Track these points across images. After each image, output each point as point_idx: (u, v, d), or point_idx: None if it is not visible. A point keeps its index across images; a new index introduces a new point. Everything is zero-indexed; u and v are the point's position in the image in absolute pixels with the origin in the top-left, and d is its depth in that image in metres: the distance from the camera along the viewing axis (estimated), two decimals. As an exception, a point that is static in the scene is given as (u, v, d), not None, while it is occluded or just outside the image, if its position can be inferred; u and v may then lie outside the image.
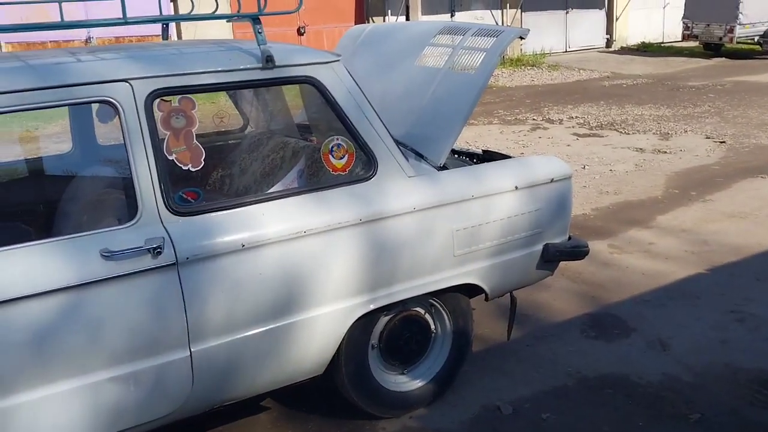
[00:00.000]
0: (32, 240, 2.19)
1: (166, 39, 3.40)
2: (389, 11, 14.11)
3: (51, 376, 2.16)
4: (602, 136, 8.33)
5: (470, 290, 3.00)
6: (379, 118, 2.73)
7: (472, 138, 8.19)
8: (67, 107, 3.09)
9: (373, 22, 13.43)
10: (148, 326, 2.27)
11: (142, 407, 2.33)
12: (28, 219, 2.91)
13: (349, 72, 2.73)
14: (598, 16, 17.79)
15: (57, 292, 2.12)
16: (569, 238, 3.25)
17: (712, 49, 16.31)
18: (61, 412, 2.20)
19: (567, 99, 10.94)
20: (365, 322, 2.77)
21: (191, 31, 11.49)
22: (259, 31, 2.54)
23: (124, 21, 2.38)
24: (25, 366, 2.12)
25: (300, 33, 13.30)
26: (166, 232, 2.31)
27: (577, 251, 3.23)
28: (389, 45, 3.61)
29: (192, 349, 2.36)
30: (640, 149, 7.65)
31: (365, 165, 2.72)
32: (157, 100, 2.36)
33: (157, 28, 3.34)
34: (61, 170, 3.24)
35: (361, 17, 13.98)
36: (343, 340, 2.71)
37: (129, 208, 2.32)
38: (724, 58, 15.60)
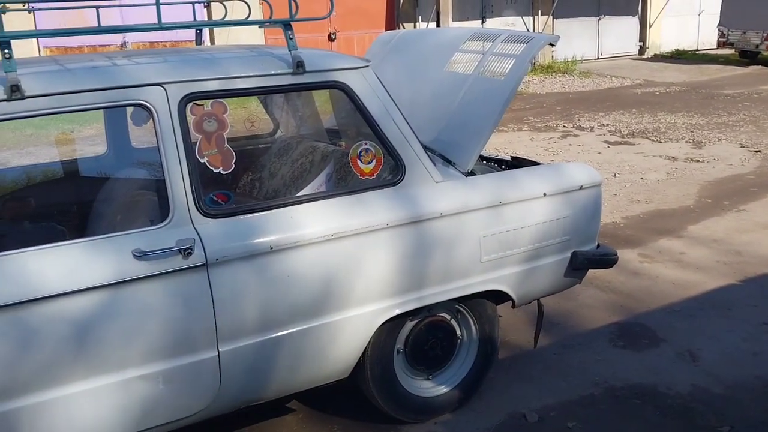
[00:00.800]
0: (67, 239, 2.24)
1: (200, 44, 3.47)
2: (420, 17, 14.13)
3: (83, 372, 2.21)
4: (633, 144, 8.24)
5: (497, 297, 2.99)
6: (408, 124, 2.74)
7: (501, 145, 8.16)
8: (102, 110, 3.18)
9: (404, 28, 13.46)
10: (177, 326, 2.31)
11: (170, 405, 2.37)
12: (64, 219, 2.98)
13: (378, 77, 2.75)
14: (631, 22, 17.60)
15: (90, 290, 2.17)
16: (598, 246, 3.22)
17: (748, 57, 16.02)
18: (92, 408, 2.25)
19: (598, 106, 10.84)
20: (391, 326, 2.77)
21: (224, 36, 11.64)
22: (290, 36, 2.57)
23: (159, 26, 2.43)
24: (59, 362, 2.17)
25: (331, 39, 13.39)
26: (197, 233, 2.35)
27: (606, 259, 3.20)
28: (419, 51, 3.63)
29: (220, 349, 2.40)
30: (673, 158, 7.55)
31: (393, 170, 2.73)
32: (190, 103, 2.40)
33: (190, 34, 3.40)
34: (96, 172, 3.31)
35: (392, 23, 14.02)
36: (368, 344, 2.72)
37: (161, 209, 2.37)
38: (760, 66, 15.32)
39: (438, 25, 13.78)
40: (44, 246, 2.18)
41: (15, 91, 2.13)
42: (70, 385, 2.20)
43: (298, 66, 2.54)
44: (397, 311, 2.72)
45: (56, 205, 3.14)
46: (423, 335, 2.90)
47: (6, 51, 2.15)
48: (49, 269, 2.15)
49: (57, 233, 2.78)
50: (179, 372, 2.35)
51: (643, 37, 17.80)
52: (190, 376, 2.37)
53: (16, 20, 8.66)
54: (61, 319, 2.15)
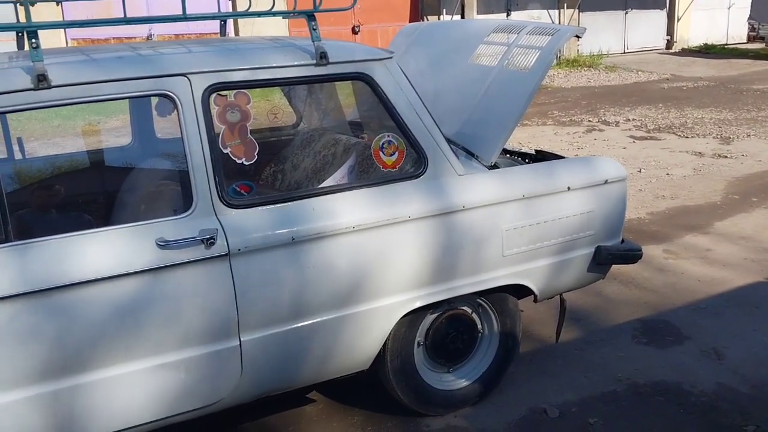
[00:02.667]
0: (93, 228, 2.27)
1: (224, 35, 3.48)
2: (444, 10, 14.05)
3: (106, 359, 2.23)
4: (660, 140, 8.13)
5: (519, 291, 2.97)
6: (431, 116, 2.73)
7: (525, 139, 8.10)
8: (127, 101, 3.20)
9: (428, 20, 13.40)
10: (199, 315, 2.33)
11: (192, 394, 2.39)
12: (90, 208, 3.02)
13: (401, 69, 2.73)
14: (659, 16, 17.35)
15: (114, 278, 2.20)
16: (622, 241, 3.19)
17: (779, 52, 15.71)
18: (112, 396, 2.27)
19: (624, 101, 10.71)
20: (411, 319, 2.77)
21: (248, 28, 11.68)
22: (314, 27, 2.57)
23: (184, 17, 2.44)
24: (83, 348, 2.19)
25: (354, 32, 13.37)
26: (219, 223, 2.36)
27: (630, 255, 3.16)
28: (443, 43, 3.61)
29: (242, 339, 2.41)
30: (700, 153, 7.43)
31: (415, 162, 2.72)
32: (214, 94, 2.41)
33: (215, 26, 3.42)
34: (121, 162, 3.34)
35: (416, 16, 13.97)
36: (389, 336, 2.72)
37: (184, 199, 2.38)
38: (791, 61, 15.03)
39: (462, 17, 13.70)
40: (71, 234, 2.21)
41: (42, 81, 2.16)
42: (91, 372, 2.22)
43: (322, 57, 2.54)
44: (418, 304, 2.71)
45: (83, 194, 3.18)
46: (443, 328, 2.89)
47: (33, 41, 2.18)
48: (74, 257, 2.17)
49: (83, 221, 2.81)
50: (201, 360, 2.36)
51: (670, 31, 17.54)
52: (212, 365, 2.39)
53: (44, 11, 8.77)
54: (85, 307, 2.18)
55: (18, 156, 3.26)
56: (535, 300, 3.02)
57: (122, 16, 2.80)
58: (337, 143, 3.32)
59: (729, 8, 18.23)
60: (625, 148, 7.78)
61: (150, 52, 2.48)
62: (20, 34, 2.98)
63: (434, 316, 2.87)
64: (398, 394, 2.86)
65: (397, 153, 2.71)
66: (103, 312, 2.20)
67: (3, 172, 2.20)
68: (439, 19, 13.85)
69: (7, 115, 2.75)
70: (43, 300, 2.13)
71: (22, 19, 2.76)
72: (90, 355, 2.21)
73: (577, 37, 3.06)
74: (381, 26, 13.44)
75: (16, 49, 3.00)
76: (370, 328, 2.65)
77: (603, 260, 3.09)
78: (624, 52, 16.71)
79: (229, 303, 2.36)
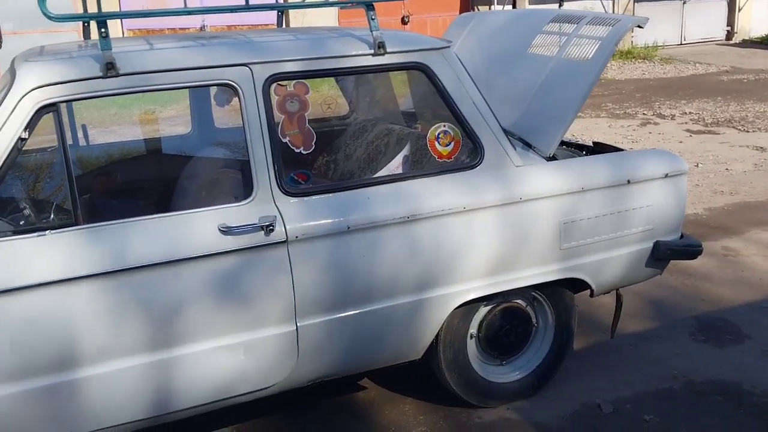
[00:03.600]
0: (156, 213, 2.33)
1: (281, 26, 3.51)
2: (495, 0, 13.90)
3: (169, 340, 2.29)
4: (718, 134, 7.90)
5: (575, 285, 2.94)
6: (488, 106, 2.71)
7: (578, 131, 7.96)
8: (187, 91, 3.27)
9: (479, 10, 13.28)
10: (258, 299, 2.37)
11: (250, 376, 2.44)
12: (151, 194, 3.09)
13: (459, 59, 2.72)
14: (719, 6, 16.80)
15: (180, 262, 2.25)
16: (682, 236, 3.11)
17: None
18: (176, 376, 2.34)
19: (680, 94, 10.42)
20: (465, 310, 2.77)
21: (299, 20, 11.76)
22: (372, 17, 2.57)
23: (247, 7, 2.49)
24: (148, 329, 2.26)
25: (404, 22, 13.32)
26: (278, 211, 2.39)
27: (689, 250, 3.09)
28: (499, 33, 3.57)
29: (298, 324, 2.45)
30: (761, 148, 7.19)
31: (471, 153, 2.71)
32: (274, 84, 2.44)
33: (266, 18, 3.45)
34: (182, 150, 3.42)
35: (467, 6, 13.85)
36: (442, 327, 2.72)
37: (245, 187, 2.43)
38: None
39: (514, 7, 13.53)
40: (135, 218, 2.27)
41: (110, 69, 2.22)
42: (158, 352, 2.29)
43: (379, 47, 2.55)
44: (472, 296, 2.71)
45: (144, 181, 3.26)
46: (497, 321, 2.88)
47: (103, 30, 2.24)
48: (140, 241, 2.23)
49: (145, 207, 2.89)
50: (260, 344, 2.41)
51: (731, 22, 16.97)
52: (270, 349, 2.43)
53: (102, 2, 8.99)
54: (150, 290, 2.24)
55: (82, 143, 3.36)
56: (592, 294, 2.98)
57: (177, 7, 2.85)
58: (390, 133, 3.32)
59: (793, -2, 17.54)
60: (681, 142, 7.58)
61: (212, 42, 2.53)
62: (86, 25, 3.06)
63: (488, 308, 2.85)
64: (450, 386, 2.87)
65: (453, 143, 2.70)
66: (167, 295, 2.26)
67: (71, 158, 2.26)
68: (490, 8, 13.70)
69: (73, 103, 2.83)
70: (112, 282, 2.19)
71: (84, 9, 2.84)
72: (155, 335, 2.27)
73: (639, 27, 2.99)
74: (431, 16, 13.37)
75: (82, 39, 3.08)
76: (422, 318, 2.66)
77: (661, 255, 3.02)
78: (681, 44, 16.24)
79: (286, 289, 2.40)
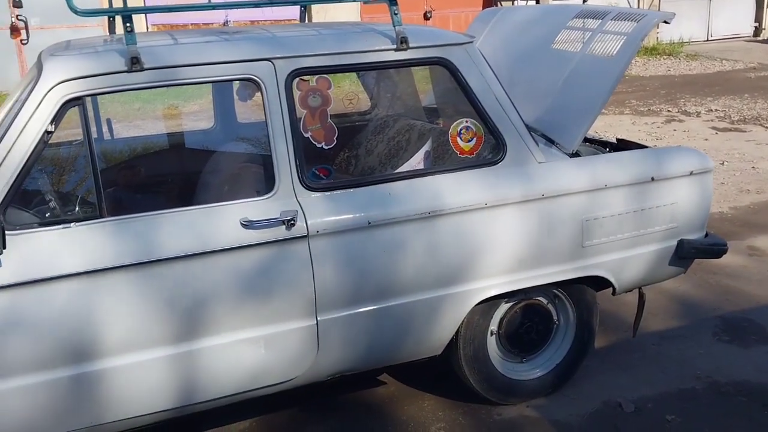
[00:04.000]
0: (179, 207, 2.34)
1: (304, 21, 3.52)
2: (518, -4, 13.81)
3: (191, 333, 2.31)
4: (745, 131, 7.78)
5: (597, 283, 2.91)
6: (511, 102, 2.69)
7: (602, 128, 7.89)
8: (210, 85, 3.29)
9: (502, 5, 13.20)
10: (280, 293, 2.38)
11: (270, 370, 2.46)
12: (174, 187, 3.12)
13: (482, 54, 2.70)
14: (746, 2, 16.51)
15: (201, 256, 2.27)
16: (706, 234, 3.07)
17: None
18: (196, 369, 2.36)
19: (706, 91, 10.28)
20: (485, 307, 2.76)
21: (321, 15, 11.78)
22: (395, 12, 2.57)
23: (270, 2, 2.49)
24: (169, 322, 2.28)
25: (426, 17, 13.29)
26: (300, 205, 2.40)
27: (714, 249, 3.05)
28: (522, 28, 3.54)
29: (318, 318, 2.46)
30: (788, 146, 7.07)
31: (493, 149, 2.69)
32: (297, 78, 2.45)
33: (289, 14, 3.46)
34: (204, 144, 3.44)
35: (490, 1, 13.77)
36: (462, 323, 2.71)
37: (266, 182, 2.44)
38: None
39: (537, 2, 13.43)
40: (159, 212, 2.29)
41: (135, 63, 2.24)
42: (179, 344, 2.31)
43: (402, 42, 2.54)
44: (492, 292, 2.70)
45: (167, 174, 3.29)
46: (518, 318, 2.86)
47: (128, 24, 2.26)
48: (163, 234, 2.25)
49: (168, 200, 2.91)
50: (280, 338, 2.42)
51: (759, 18, 16.67)
52: (290, 343, 2.45)
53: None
54: (173, 282, 2.26)
55: (107, 137, 3.40)
56: (614, 293, 2.96)
57: (201, 2, 2.87)
58: (411, 129, 3.31)
59: (824, -7, 17.19)
60: (706, 139, 7.48)
61: (235, 36, 2.54)
62: (111, 19, 3.09)
63: (509, 305, 2.84)
64: (470, 382, 2.86)
65: (475, 139, 2.69)
66: (188, 288, 2.28)
67: (96, 152, 2.28)
68: (513, 4, 13.61)
69: (98, 97, 2.85)
70: (135, 274, 2.22)
71: (110, 5, 2.87)
72: (176, 328, 2.29)
73: (666, 22, 2.95)
74: (453, 12, 13.31)
75: (108, 34, 3.11)
76: (443, 314, 2.65)
77: (685, 254, 2.99)
78: (707, 40, 16.01)
79: (307, 283, 2.41)
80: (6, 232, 2.08)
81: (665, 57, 13.88)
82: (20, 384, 2.16)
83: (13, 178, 2.14)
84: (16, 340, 2.13)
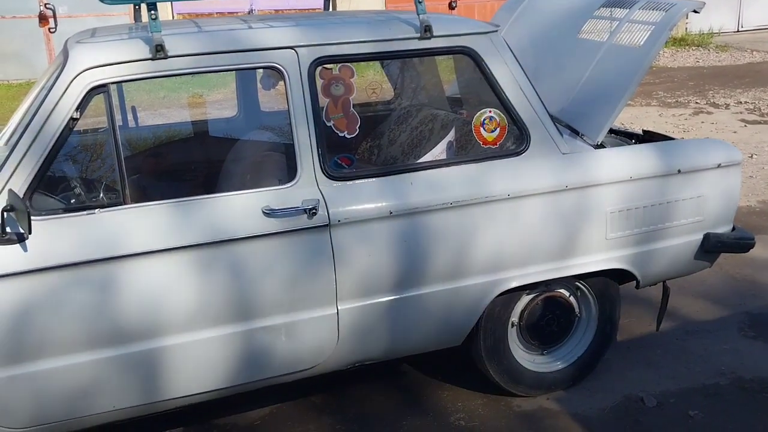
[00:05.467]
0: (202, 194, 2.36)
1: (327, 10, 3.51)
2: (545, -14, 13.63)
3: (213, 319, 2.33)
4: (775, 124, 7.63)
5: (620, 276, 2.88)
6: (536, 92, 2.66)
7: (628, 120, 7.78)
8: (234, 73, 3.29)
9: (528, -3, 13.03)
10: (300, 281, 2.39)
11: (290, 357, 2.47)
12: (197, 175, 3.14)
13: (507, 43, 2.68)
14: (778, -8, 16.16)
15: (223, 243, 2.28)
16: (733, 228, 3.02)
17: None
18: (220, 354, 2.38)
19: (735, 83, 10.09)
20: (506, 298, 2.74)
21: (346, 3, 11.75)
22: (419, 0, 2.54)
23: (294, -10, 2.48)
24: (191, 309, 2.30)
25: (451, 7, 13.18)
26: (321, 194, 2.40)
27: (741, 243, 3.00)
28: (548, 17, 3.50)
29: (339, 307, 2.46)
30: (820, 139, 6.92)
31: (517, 139, 2.67)
32: (320, 67, 2.45)
33: (314, 3, 3.45)
34: (228, 132, 3.45)
35: (515, -8, 13.62)
36: (483, 314, 2.70)
37: (289, 170, 2.44)
38: None
39: (564, -7, 13.24)
40: (182, 199, 2.31)
41: (159, 51, 2.25)
42: (200, 331, 2.33)
43: (426, 30, 2.52)
44: (514, 284, 2.68)
45: (191, 162, 3.31)
46: (539, 310, 2.84)
47: (152, 12, 2.27)
48: (185, 222, 2.27)
49: (191, 188, 2.93)
50: (301, 326, 2.43)
51: (791, 8, 16.31)
52: (311, 331, 2.46)
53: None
54: (194, 269, 2.27)
55: (132, 124, 3.43)
56: (637, 286, 2.92)
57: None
58: (434, 119, 3.30)
59: None
60: (735, 132, 7.35)
61: (259, 24, 2.54)
62: (137, 8, 3.11)
63: (530, 297, 2.82)
64: (490, 373, 2.85)
65: (498, 129, 2.66)
66: (209, 275, 2.29)
67: (120, 139, 2.30)
68: (539, -6, 13.44)
69: (123, 85, 2.87)
70: (158, 260, 2.24)
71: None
72: (196, 315, 2.31)
73: (695, 11, 2.89)
74: (478, 1, 13.20)
75: (133, 22, 3.13)
76: (463, 304, 2.65)
77: (711, 248, 2.94)
78: (738, 31, 15.70)
79: (328, 272, 2.41)
80: (32, 217, 2.10)
81: (694, 48, 13.65)
82: (45, 368, 2.19)
83: (39, 165, 2.17)
84: (32, 324, 2.15)
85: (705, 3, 2.99)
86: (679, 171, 2.78)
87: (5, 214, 2.07)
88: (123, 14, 10.65)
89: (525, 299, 2.82)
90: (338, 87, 2.51)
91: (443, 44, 2.58)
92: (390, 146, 3.48)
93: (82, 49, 2.26)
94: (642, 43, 2.81)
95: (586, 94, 2.92)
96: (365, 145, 3.61)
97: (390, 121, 3.60)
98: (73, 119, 2.20)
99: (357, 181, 2.48)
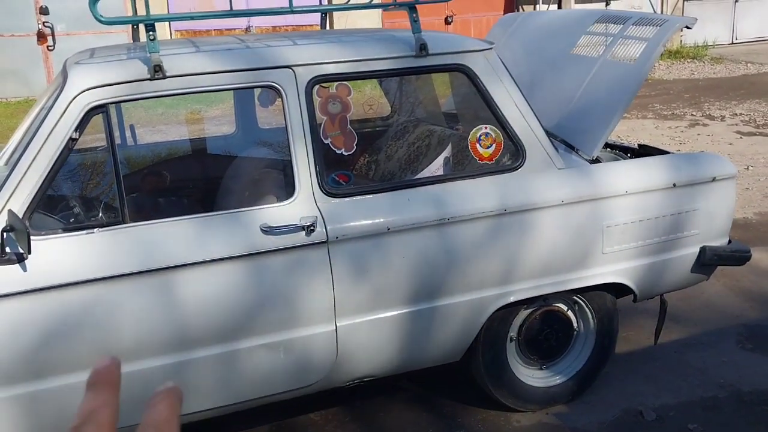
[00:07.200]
0: (199, 212, 2.37)
1: (324, 28, 3.54)
2: (540, 0, 13.75)
3: (210, 339, 2.33)
4: (770, 135, 7.67)
5: (618, 290, 2.89)
6: (531, 108, 2.69)
7: (624, 132, 7.82)
8: (232, 91, 3.31)
9: (523, 10, 13.14)
10: (299, 298, 2.40)
11: (289, 375, 2.47)
12: (196, 193, 3.15)
13: (501, 60, 2.70)
14: (772, 4, 16.28)
15: (222, 261, 2.29)
16: (729, 241, 3.04)
17: None
18: (218, 372, 2.38)
19: (731, 94, 10.15)
20: (505, 313, 2.75)
21: (342, 21, 11.82)
22: (415, 19, 2.58)
23: (291, 9, 2.51)
24: (191, 327, 2.30)
25: (447, 22, 13.28)
26: (319, 211, 2.41)
27: (737, 256, 3.01)
28: (542, 34, 3.53)
29: (338, 324, 2.47)
30: (815, 151, 6.96)
31: (513, 155, 2.69)
32: (317, 86, 2.47)
33: (311, 19, 3.48)
34: (226, 150, 3.47)
35: (511, 6, 13.72)
36: (481, 329, 2.71)
37: (287, 188, 2.45)
38: None
39: (559, 7, 13.37)
40: (180, 218, 2.32)
41: (158, 71, 2.27)
42: (196, 350, 2.33)
43: (422, 49, 2.55)
44: (512, 299, 2.69)
45: (189, 180, 3.33)
46: (537, 325, 2.85)
47: (151, 33, 2.29)
48: (184, 240, 2.28)
49: (189, 206, 2.94)
50: (299, 343, 2.44)
51: (785, 20, 16.43)
52: (310, 348, 2.46)
53: (150, 4, 9.20)
54: (193, 288, 2.28)
55: (130, 142, 3.44)
56: (635, 300, 2.93)
57: (223, 10, 2.90)
58: (431, 134, 3.32)
59: None
60: (731, 144, 7.38)
61: (256, 44, 2.56)
62: (135, 27, 3.13)
63: (528, 311, 2.83)
64: (489, 388, 2.85)
65: (494, 145, 2.68)
66: (208, 294, 2.30)
67: (119, 158, 2.32)
68: (535, 9, 13.55)
69: (122, 104, 2.89)
70: (155, 279, 2.24)
71: (134, 11, 2.91)
72: (196, 333, 2.31)
73: (687, 27, 2.93)
74: (475, 16, 13.29)
75: (131, 40, 3.16)
76: (462, 320, 2.65)
77: (708, 261, 2.96)
78: (732, 43, 15.81)
79: (326, 289, 2.42)
80: (31, 237, 2.11)
81: (689, 60, 13.74)
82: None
83: (39, 185, 2.18)
84: (31, 345, 2.15)
85: (697, 19, 3.03)
86: (674, 185, 2.80)
87: (5, 234, 2.08)
88: (122, 32, 10.71)
89: (523, 314, 2.83)
90: (335, 105, 2.53)
91: (439, 62, 2.61)
92: (387, 162, 3.50)
93: (80, 70, 2.28)
94: (636, 58, 2.84)
95: (581, 110, 2.95)
96: (363, 161, 3.63)
97: (387, 137, 3.62)
98: (72, 139, 2.21)
99: (354, 198, 2.50)
